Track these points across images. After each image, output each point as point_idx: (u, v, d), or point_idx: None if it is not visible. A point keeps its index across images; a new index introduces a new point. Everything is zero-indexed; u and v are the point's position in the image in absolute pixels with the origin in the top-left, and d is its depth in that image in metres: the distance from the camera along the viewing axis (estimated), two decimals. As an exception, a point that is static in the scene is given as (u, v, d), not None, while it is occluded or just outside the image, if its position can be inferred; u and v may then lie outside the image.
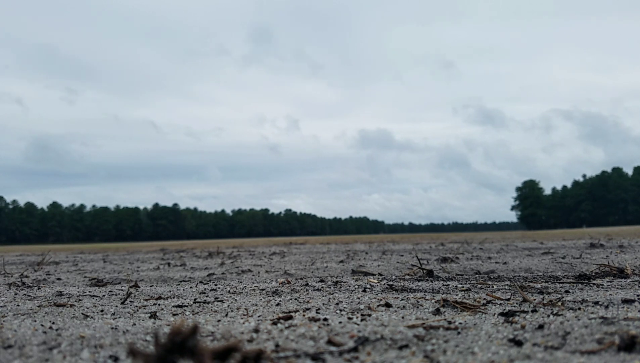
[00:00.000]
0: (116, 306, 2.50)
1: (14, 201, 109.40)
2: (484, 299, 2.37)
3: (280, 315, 2.02)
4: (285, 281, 3.34)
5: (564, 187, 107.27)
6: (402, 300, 2.41)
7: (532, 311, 1.94)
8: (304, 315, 1.99)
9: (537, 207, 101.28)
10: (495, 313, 1.93)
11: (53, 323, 1.97)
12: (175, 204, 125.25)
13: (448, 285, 3.05)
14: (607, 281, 3.02)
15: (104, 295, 2.99)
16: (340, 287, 3.01)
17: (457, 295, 2.58)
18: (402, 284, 3.13)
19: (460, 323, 1.75)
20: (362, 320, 1.85)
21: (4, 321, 2.04)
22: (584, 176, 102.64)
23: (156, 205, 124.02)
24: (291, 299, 2.57)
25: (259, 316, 2.05)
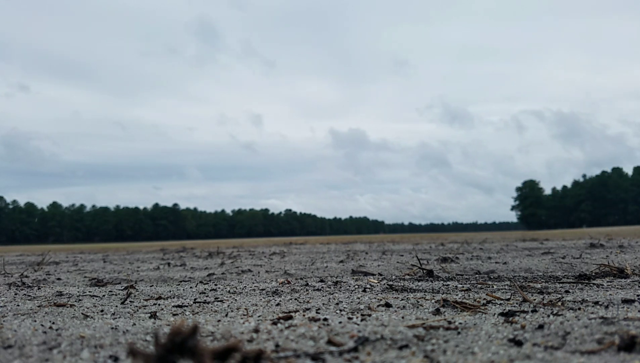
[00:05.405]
0: (116, 306, 2.50)
1: (14, 201, 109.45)
2: (484, 299, 2.37)
3: (280, 315, 2.02)
4: (285, 281, 3.34)
5: (564, 187, 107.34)
6: (402, 300, 2.41)
7: (532, 311, 1.94)
8: (304, 315, 1.99)
9: (537, 207, 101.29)
10: (495, 313, 1.93)
11: (53, 323, 1.97)
12: (175, 205, 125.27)
13: (448, 285, 3.05)
14: (607, 281, 3.02)
15: (104, 295, 2.99)
16: (340, 287, 3.01)
17: (457, 295, 2.58)
18: (402, 284, 3.13)
19: (460, 323, 1.75)
20: (362, 320, 1.85)
21: (4, 321, 2.04)
22: (584, 176, 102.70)
23: (156, 205, 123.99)
24: (291, 299, 2.57)
25: (259, 316, 2.05)
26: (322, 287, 3.04)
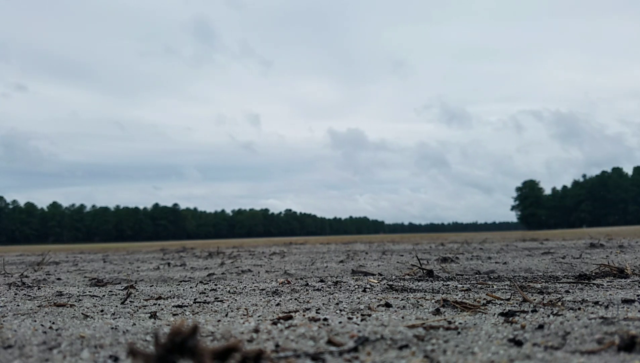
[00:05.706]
0: (116, 306, 2.50)
1: (14, 201, 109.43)
2: (484, 299, 2.37)
3: (280, 315, 2.02)
4: (285, 281, 3.34)
5: (564, 187, 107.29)
6: (402, 300, 2.41)
7: (532, 311, 1.94)
8: (304, 315, 1.99)
9: (537, 207, 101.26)
10: (495, 313, 1.93)
11: (53, 323, 1.97)
12: (175, 205, 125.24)
13: (448, 285, 3.05)
14: (607, 281, 3.02)
15: (104, 295, 2.99)
16: (340, 287, 3.01)
17: (457, 295, 2.58)
18: (402, 284, 3.13)
19: (460, 323, 1.75)
20: (362, 320, 1.85)
21: (4, 321, 2.04)
22: (584, 176, 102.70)
23: (156, 205, 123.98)
24: (291, 299, 2.57)
25: (259, 316, 2.05)
26: (322, 287, 3.04)
